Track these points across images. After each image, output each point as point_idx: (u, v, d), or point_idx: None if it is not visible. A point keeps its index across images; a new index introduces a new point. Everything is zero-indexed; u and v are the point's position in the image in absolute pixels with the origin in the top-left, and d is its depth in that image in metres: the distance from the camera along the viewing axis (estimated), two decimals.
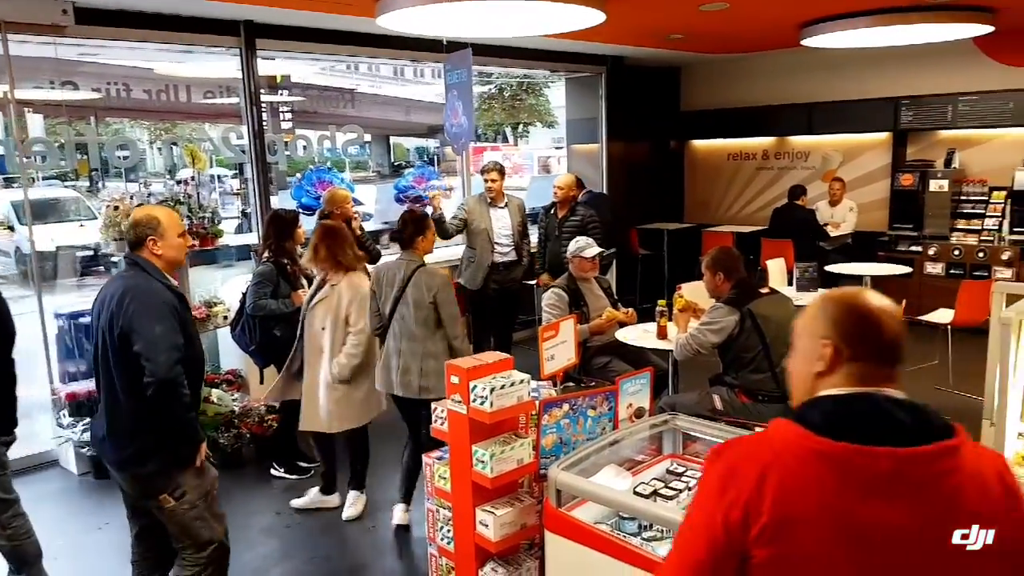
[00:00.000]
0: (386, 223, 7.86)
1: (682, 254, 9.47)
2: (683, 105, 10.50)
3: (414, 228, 4.15)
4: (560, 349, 3.61)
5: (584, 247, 5.01)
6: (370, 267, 4.89)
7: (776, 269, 7.01)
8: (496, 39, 7.04)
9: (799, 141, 9.74)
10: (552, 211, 6.65)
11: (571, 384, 4.64)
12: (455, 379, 2.98)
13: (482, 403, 2.88)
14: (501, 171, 6.44)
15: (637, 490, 3.00)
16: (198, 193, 5.83)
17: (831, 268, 7.25)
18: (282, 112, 8.40)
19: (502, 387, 2.88)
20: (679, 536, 1.49)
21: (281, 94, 9.10)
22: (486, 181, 6.37)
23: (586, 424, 3.17)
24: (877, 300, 1.45)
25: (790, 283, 6.43)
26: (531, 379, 3.20)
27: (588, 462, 3.07)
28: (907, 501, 1.27)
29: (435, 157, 11.41)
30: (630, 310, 5.11)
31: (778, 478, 1.30)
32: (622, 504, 2.81)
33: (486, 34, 6.25)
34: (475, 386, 2.90)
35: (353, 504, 4.54)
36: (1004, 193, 8.19)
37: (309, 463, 5.07)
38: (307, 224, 5.24)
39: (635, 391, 3.36)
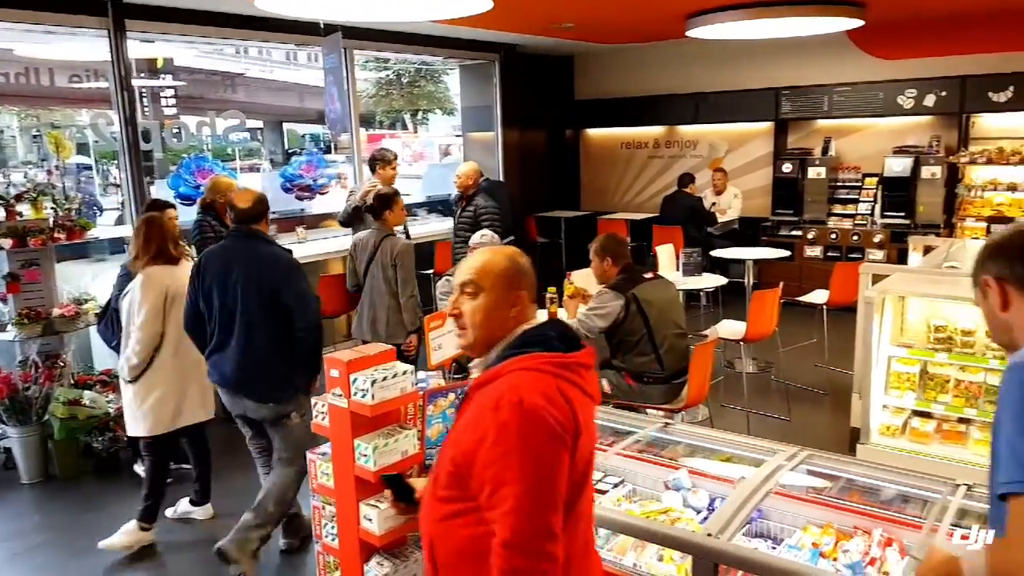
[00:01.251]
0: (274, 213, 7.55)
1: (579, 241, 9.58)
2: (577, 94, 10.62)
3: (382, 203, 4.92)
4: (448, 339, 3.57)
5: (487, 244, 4.98)
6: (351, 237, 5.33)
7: (665, 255, 7.20)
8: (385, 23, 6.91)
9: (688, 130, 10.03)
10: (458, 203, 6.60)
11: (462, 374, 4.61)
12: (335, 372, 2.89)
13: (363, 396, 2.81)
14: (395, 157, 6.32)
15: None
16: (63, 184, 5.46)
17: (717, 253, 7.50)
18: (164, 98, 7.98)
19: (384, 379, 2.82)
20: None
21: (163, 78, 8.64)
22: (395, 169, 6.23)
23: None
24: None
25: (679, 268, 6.62)
26: (420, 370, 3.15)
27: None
28: None
29: (331, 144, 11.11)
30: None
31: None
32: None
33: (369, 17, 6.10)
34: (356, 379, 2.82)
35: (123, 533, 4.08)
36: (876, 179, 8.70)
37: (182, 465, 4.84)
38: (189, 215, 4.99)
39: None
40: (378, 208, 4.95)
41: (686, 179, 8.79)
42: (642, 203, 10.41)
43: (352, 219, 6.05)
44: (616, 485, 3.08)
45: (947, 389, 3.89)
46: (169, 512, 4.39)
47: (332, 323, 6.83)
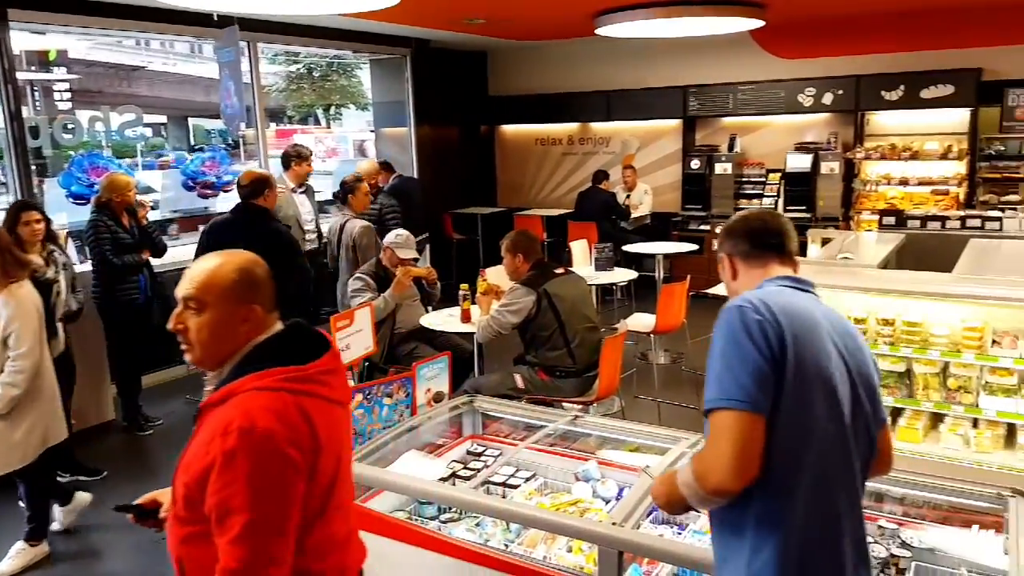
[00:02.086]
0: (176, 212, 7.28)
1: (496, 238, 9.56)
2: (491, 90, 10.64)
3: (345, 191, 5.62)
4: (356, 338, 3.53)
5: (401, 244, 4.92)
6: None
7: (579, 250, 7.29)
8: (288, 16, 6.75)
9: (600, 127, 10.18)
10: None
11: (376, 375, 4.57)
12: None
13: None
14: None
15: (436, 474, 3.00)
16: None
17: (629, 248, 7.65)
18: (57, 92, 7.58)
19: None
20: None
21: (55, 71, 8.22)
22: (309, 165, 6.08)
23: (382, 413, 3.13)
24: None
25: (592, 263, 6.72)
26: None
27: (386, 450, 3.04)
28: None
29: (238, 140, 10.78)
30: (430, 267, 5.14)
31: None
32: (413, 490, 2.80)
33: (268, 10, 5.93)
34: None
35: (15, 556, 3.83)
36: (779, 175, 9.03)
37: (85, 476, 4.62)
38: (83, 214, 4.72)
39: (433, 376, 3.35)
40: (345, 194, 5.59)
41: (600, 175, 8.94)
42: (558, 199, 10.51)
43: None
44: (528, 479, 3.10)
45: None
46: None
47: None
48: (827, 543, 1.66)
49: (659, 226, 9.21)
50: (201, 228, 6.74)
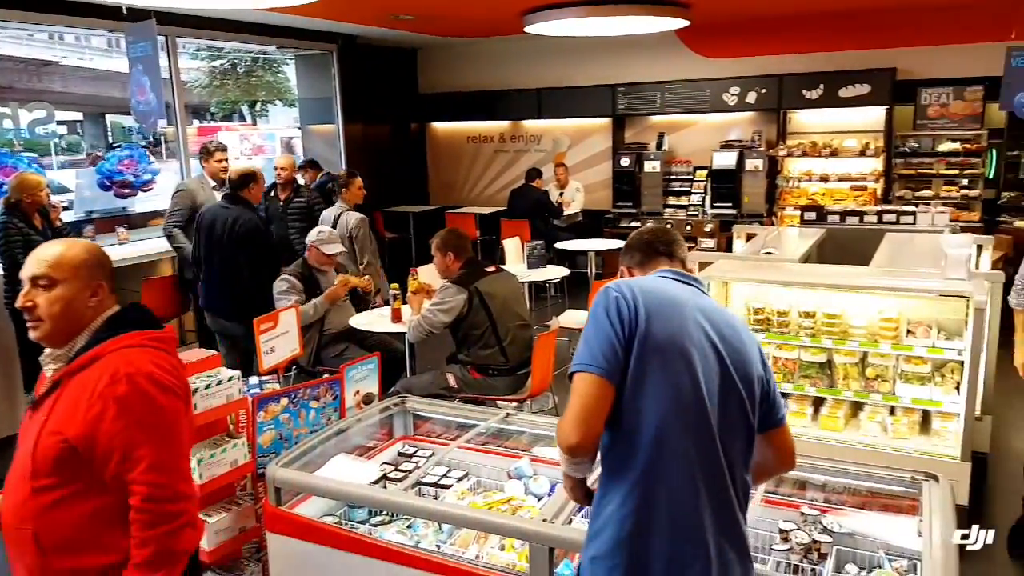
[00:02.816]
0: (91, 212, 6.97)
1: (428, 236, 9.47)
2: (422, 87, 10.56)
3: (340, 185, 5.88)
4: (281, 341, 3.44)
5: (325, 240, 4.81)
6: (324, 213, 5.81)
7: (512, 248, 7.30)
8: (206, 10, 6.55)
9: (532, 125, 10.22)
10: (272, 193, 6.34)
11: (305, 378, 4.46)
12: None
13: None
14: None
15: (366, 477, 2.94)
16: None
17: (560, 245, 7.69)
18: None
19: (207, 387, 2.67)
20: None
21: None
22: (220, 161, 5.88)
23: (308, 416, 3.05)
24: None
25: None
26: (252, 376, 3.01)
27: (314, 454, 2.97)
28: None
29: (160, 137, 10.41)
30: (366, 276, 5.05)
31: None
32: (342, 493, 2.75)
33: (184, 4, 5.73)
34: None
35: None
36: (705, 172, 9.22)
37: None
38: None
39: (362, 377, 3.30)
40: (340, 188, 5.90)
41: (533, 174, 8.97)
42: (490, 197, 10.50)
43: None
44: (460, 479, 3.07)
45: None
46: None
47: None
48: (680, 502, 1.75)
49: (591, 223, 9.29)
50: (119, 229, 6.53)
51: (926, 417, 3.92)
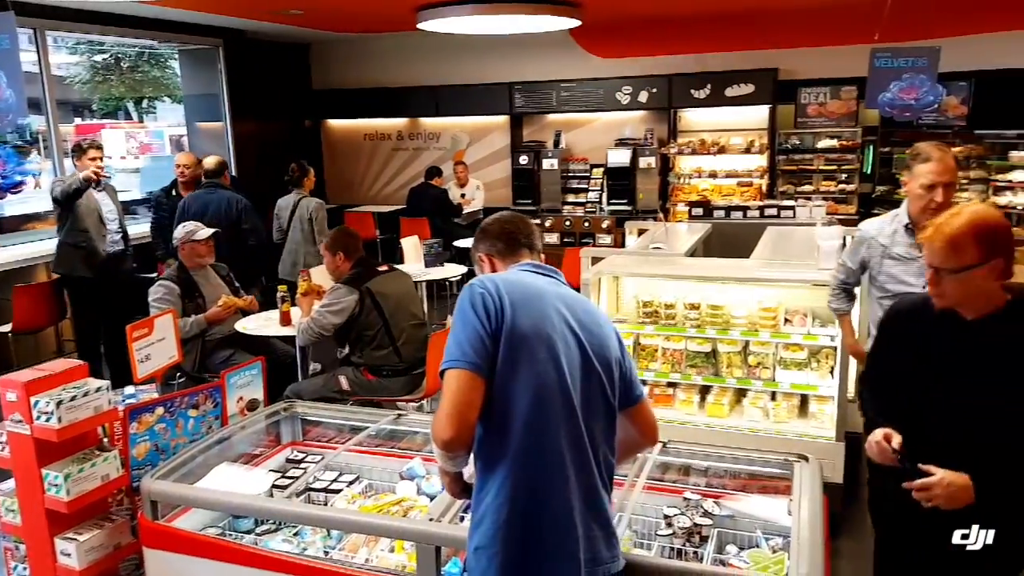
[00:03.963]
0: None
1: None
2: (315, 83, 10.33)
3: (299, 175, 6.50)
4: (158, 347, 3.29)
5: (194, 230, 4.62)
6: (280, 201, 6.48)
7: (411, 246, 7.22)
8: (81, 2, 6.20)
9: (430, 122, 10.16)
10: (174, 192, 6.06)
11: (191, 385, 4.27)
12: (12, 395, 2.53)
13: (48, 419, 2.49)
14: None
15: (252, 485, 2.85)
16: None
17: (461, 243, 7.68)
18: None
19: (72, 399, 2.52)
20: None
21: None
22: (94, 160, 5.57)
23: (187, 426, 2.93)
24: None
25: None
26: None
27: (194, 464, 2.85)
28: None
29: (37, 136, 9.78)
30: (250, 297, 4.84)
31: None
32: (222, 504, 2.66)
33: None
34: (37, 401, 2.49)
35: None
36: (601, 170, 9.40)
37: None
38: None
39: (245, 383, 3.19)
40: (297, 177, 6.49)
41: (433, 172, 8.92)
42: (389, 195, 10.39)
43: (71, 199, 5.37)
44: (351, 483, 3.02)
45: (656, 357, 4.29)
46: None
47: (35, 339, 6.01)
48: (551, 486, 1.82)
49: None
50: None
51: (804, 401, 4.12)
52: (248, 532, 2.80)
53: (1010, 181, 7.85)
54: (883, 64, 5.80)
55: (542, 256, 2.17)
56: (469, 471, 1.93)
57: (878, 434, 2.05)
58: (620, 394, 1.97)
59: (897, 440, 2.01)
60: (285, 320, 4.48)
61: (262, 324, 4.57)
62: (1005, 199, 7.80)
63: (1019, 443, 1.96)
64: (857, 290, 3.55)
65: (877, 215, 8.37)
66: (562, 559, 1.81)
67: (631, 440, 2.07)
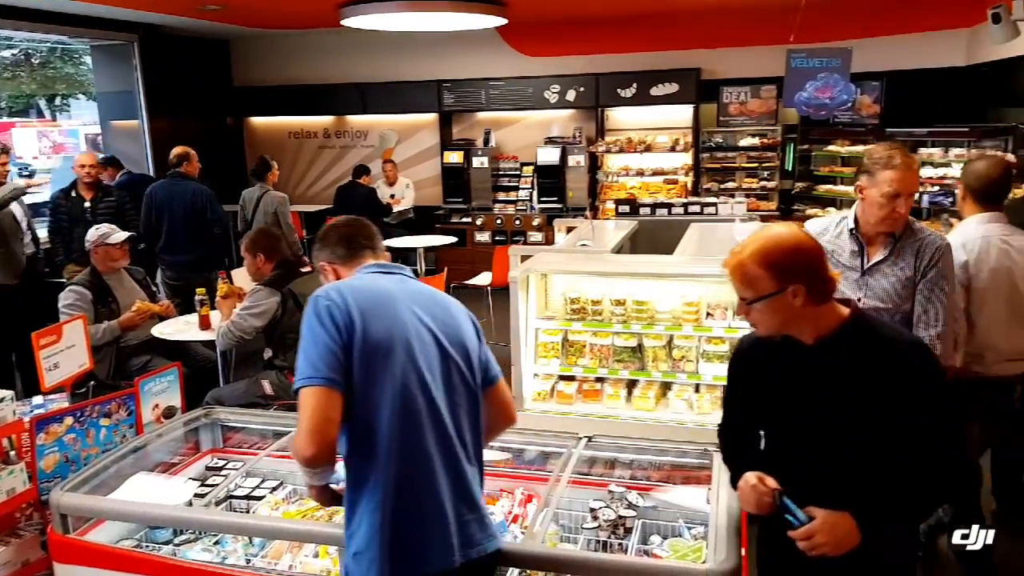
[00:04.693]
0: None
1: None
2: (236, 80, 10.07)
3: (263, 169, 6.96)
4: (67, 355, 3.15)
5: (108, 233, 4.43)
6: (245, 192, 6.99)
7: None
8: None
9: (357, 120, 10.03)
10: (73, 193, 5.82)
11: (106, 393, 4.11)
12: None
13: None
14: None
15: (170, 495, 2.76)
16: None
17: (389, 243, 7.60)
18: None
19: None
20: None
21: None
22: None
23: (99, 435, 2.82)
24: None
25: None
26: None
27: (107, 475, 2.75)
28: None
29: None
30: (167, 302, 4.69)
31: None
32: (136, 515, 2.57)
33: None
34: None
35: None
36: (532, 168, 9.44)
37: None
38: None
39: (161, 390, 3.09)
40: (261, 171, 6.94)
41: (361, 170, 8.80)
42: (316, 195, 10.22)
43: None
44: (274, 489, 2.96)
45: (584, 353, 4.33)
46: None
47: None
48: (421, 483, 1.87)
49: (422, 220, 9.26)
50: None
51: None
52: (166, 543, 2.71)
53: (920, 178, 8.21)
54: (799, 64, 6.00)
55: (387, 256, 2.18)
56: (337, 476, 1.96)
57: (751, 478, 1.92)
58: (480, 377, 2.04)
59: (771, 482, 1.89)
60: (204, 324, 4.34)
61: (181, 329, 4.42)
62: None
63: (880, 468, 1.83)
64: None
65: (797, 211, 8.69)
66: (437, 549, 1.87)
67: (490, 422, 2.11)
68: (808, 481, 1.87)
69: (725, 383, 2.14)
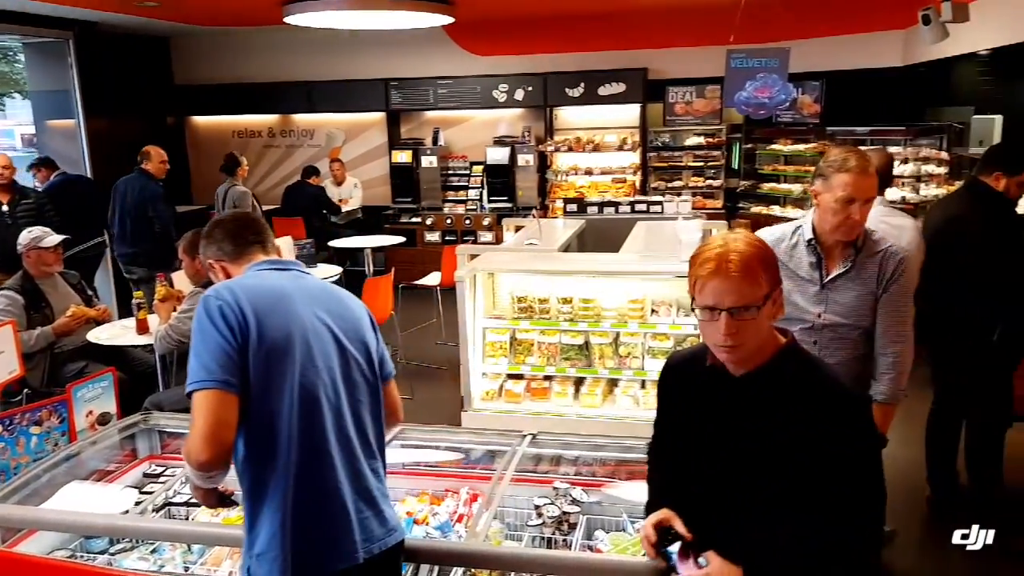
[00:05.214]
0: None
1: None
2: (177, 78, 9.84)
3: (232, 165, 7.22)
4: None
5: (41, 236, 4.29)
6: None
7: (285, 247, 6.99)
8: None
9: (303, 119, 9.89)
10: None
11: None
12: None
13: None
14: None
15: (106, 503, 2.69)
16: None
17: (337, 243, 7.53)
18: None
19: None
20: None
21: None
22: None
23: (29, 444, 2.73)
24: None
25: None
26: None
27: (39, 484, 2.67)
28: None
29: None
30: (103, 306, 4.55)
31: None
32: (68, 525, 2.50)
33: None
34: None
35: None
36: (481, 167, 9.43)
37: None
38: None
39: (94, 396, 3.00)
40: (230, 166, 7.18)
41: (310, 170, 8.71)
42: (263, 195, 9.99)
43: None
44: None
45: (532, 352, 4.36)
46: None
47: None
48: (321, 483, 1.85)
49: (371, 220, 9.17)
50: None
51: None
52: (102, 552, 2.65)
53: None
54: (738, 64, 6.11)
55: (279, 251, 2.13)
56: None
57: (651, 521, 1.81)
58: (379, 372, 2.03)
59: (679, 525, 1.74)
60: (142, 328, 4.23)
61: (117, 333, 4.30)
62: None
63: (783, 522, 1.64)
64: None
65: (742, 209, 8.84)
66: (340, 546, 1.86)
67: None
68: (711, 522, 1.73)
69: (657, 402, 2.01)
